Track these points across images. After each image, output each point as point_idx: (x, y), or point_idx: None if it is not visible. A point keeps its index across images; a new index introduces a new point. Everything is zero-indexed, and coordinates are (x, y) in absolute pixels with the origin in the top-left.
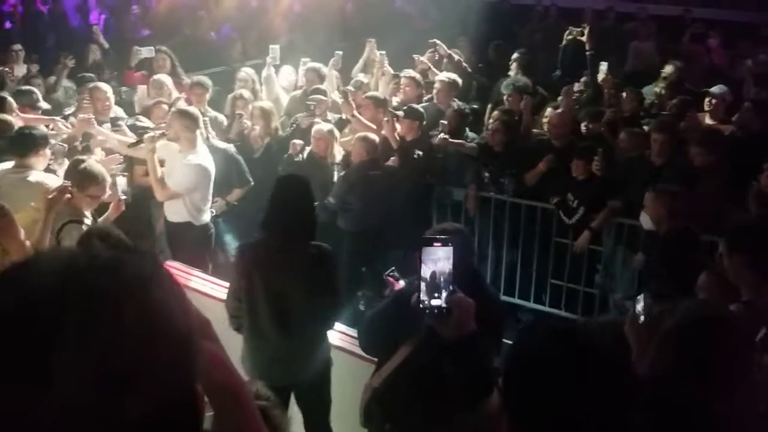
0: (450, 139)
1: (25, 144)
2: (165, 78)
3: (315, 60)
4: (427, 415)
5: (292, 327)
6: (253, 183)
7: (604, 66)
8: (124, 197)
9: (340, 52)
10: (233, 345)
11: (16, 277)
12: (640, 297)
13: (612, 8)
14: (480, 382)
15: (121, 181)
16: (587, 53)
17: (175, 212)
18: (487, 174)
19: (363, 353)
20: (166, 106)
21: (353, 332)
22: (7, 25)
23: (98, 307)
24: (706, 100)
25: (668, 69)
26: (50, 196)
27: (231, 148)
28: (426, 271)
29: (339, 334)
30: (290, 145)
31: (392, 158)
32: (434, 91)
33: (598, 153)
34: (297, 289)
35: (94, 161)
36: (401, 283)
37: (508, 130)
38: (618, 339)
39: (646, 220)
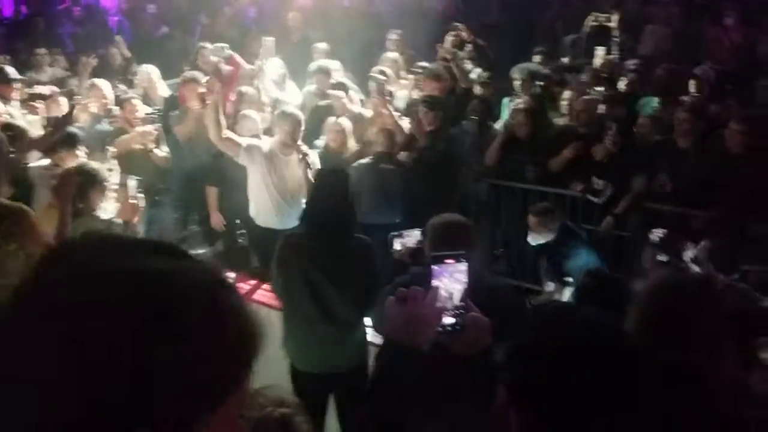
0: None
1: (59, 142)
2: (152, 68)
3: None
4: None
5: (330, 315)
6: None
7: (600, 51)
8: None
9: (272, 38)
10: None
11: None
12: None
13: None
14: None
15: (133, 183)
16: (615, 39)
17: None
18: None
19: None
20: (136, 101)
21: None
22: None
23: (167, 320)
24: (690, 81)
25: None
26: (54, 185)
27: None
28: (438, 288)
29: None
30: None
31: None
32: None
33: (612, 128)
34: (336, 281)
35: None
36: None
37: (532, 117)
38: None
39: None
